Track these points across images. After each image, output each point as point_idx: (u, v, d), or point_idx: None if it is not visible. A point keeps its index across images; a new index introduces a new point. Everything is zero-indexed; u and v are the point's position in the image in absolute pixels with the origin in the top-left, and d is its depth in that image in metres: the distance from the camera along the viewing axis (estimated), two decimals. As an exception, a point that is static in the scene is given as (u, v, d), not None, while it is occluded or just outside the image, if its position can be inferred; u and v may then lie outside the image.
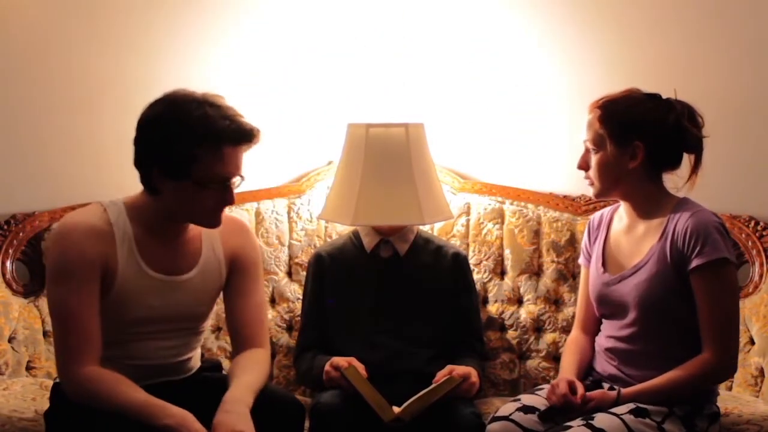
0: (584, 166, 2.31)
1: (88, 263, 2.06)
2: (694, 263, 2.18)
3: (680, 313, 2.22)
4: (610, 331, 2.35)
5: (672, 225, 2.23)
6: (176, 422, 1.95)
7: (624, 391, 2.21)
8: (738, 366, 2.65)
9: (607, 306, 2.35)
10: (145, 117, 2.10)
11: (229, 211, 2.77)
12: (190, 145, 2.03)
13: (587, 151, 2.30)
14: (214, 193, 2.09)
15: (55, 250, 2.10)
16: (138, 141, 2.10)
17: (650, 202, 2.29)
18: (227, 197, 2.11)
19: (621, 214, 2.38)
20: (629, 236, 2.33)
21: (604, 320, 2.40)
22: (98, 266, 2.07)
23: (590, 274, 2.40)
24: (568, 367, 2.37)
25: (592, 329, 2.44)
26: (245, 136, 2.08)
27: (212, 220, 2.14)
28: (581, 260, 2.51)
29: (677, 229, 2.22)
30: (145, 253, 2.13)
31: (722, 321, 2.19)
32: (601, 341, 2.38)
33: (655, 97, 2.29)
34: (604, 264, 2.36)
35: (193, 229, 2.20)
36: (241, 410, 2.01)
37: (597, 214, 2.48)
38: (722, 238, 2.20)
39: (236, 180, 2.12)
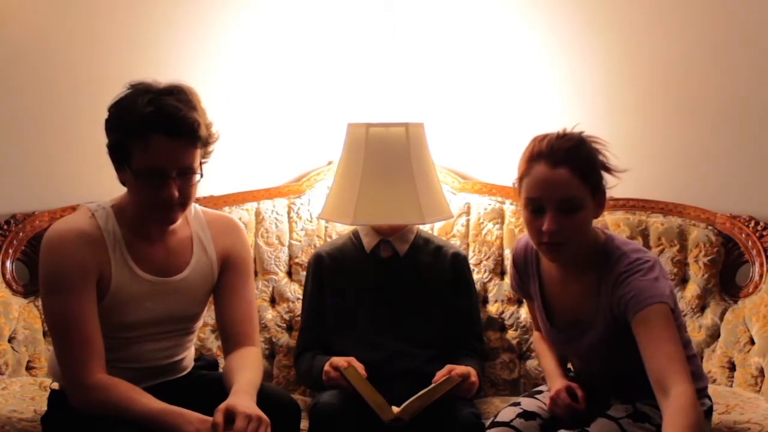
0: (557, 228, 2.01)
1: (84, 270, 2.04)
2: (630, 315, 1.99)
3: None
4: (583, 368, 2.27)
5: (604, 286, 2.06)
6: (196, 428, 1.94)
7: None
8: (738, 366, 2.68)
9: (569, 352, 2.27)
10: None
11: (229, 211, 2.81)
12: (119, 134, 2.02)
13: (557, 212, 2.01)
14: (151, 186, 2.02)
15: (48, 259, 2.06)
16: None
17: (584, 252, 2.10)
18: (164, 192, 2.02)
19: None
20: (566, 291, 2.16)
21: (571, 357, 2.31)
22: (93, 272, 2.06)
23: (539, 322, 2.28)
24: (553, 370, 2.28)
25: None
26: (172, 126, 1.98)
27: (160, 216, 2.08)
28: (513, 289, 2.39)
29: (609, 289, 2.05)
30: (137, 256, 2.12)
31: (676, 354, 1.95)
32: (578, 373, 2.31)
33: (581, 135, 2.09)
34: (548, 317, 2.22)
35: (183, 229, 2.19)
36: (253, 401, 2.01)
37: (519, 250, 2.28)
38: (648, 282, 2.00)
39: (194, 176, 2.06)
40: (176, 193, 2.03)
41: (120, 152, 2.04)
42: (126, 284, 2.10)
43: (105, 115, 2.01)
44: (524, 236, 2.29)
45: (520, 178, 2.08)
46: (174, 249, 2.17)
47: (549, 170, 2.01)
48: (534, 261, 2.25)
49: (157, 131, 1.98)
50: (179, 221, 2.16)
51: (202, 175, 2.09)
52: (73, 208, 2.82)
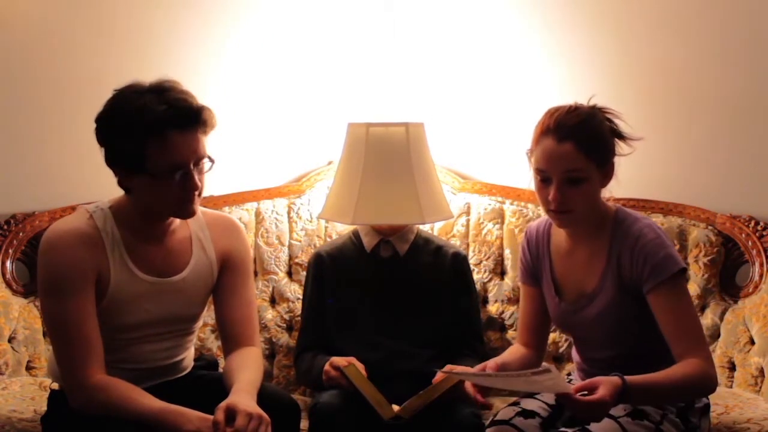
0: (562, 198, 2.11)
1: (82, 271, 2.04)
2: (650, 285, 2.10)
3: (653, 328, 2.12)
4: (586, 353, 2.29)
5: (616, 250, 2.15)
6: (196, 427, 1.94)
7: (629, 379, 2.00)
8: (738, 366, 2.68)
9: (574, 331, 2.31)
10: (96, 117, 2.07)
11: (229, 211, 2.81)
12: (134, 140, 2.00)
13: (562, 183, 2.10)
14: (174, 183, 2.03)
15: (46, 261, 2.06)
16: (98, 141, 2.08)
17: (593, 220, 2.18)
18: (189, 185, 2.04)
19: (557, 230, 2.28)
20: (574, 261, 2.23)
21: (575, 341, 2.35)
22: (91, 273, 2.05)
23: (546, 301, 2.31)
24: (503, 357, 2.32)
25: (535, 345, 2.37)
26: (188, 119, 2.01)
27: (184, 210, 2.09)
28: (519, 278, 2.41)
29: (622, 254, 2.13)
30: (136, 257, 2.12)
31: (695, 327, 2.11)
32: (583, 366, 2.31)
33: (596, 109, 2.18)
34: (557, 292, 2.27)
35: (182, 229, 2.19)
36: (253, 400, 2.02)
37: (531, 231, 2.35)
38: (667, 250, 2.11)
39: (204, 164, 2.07)
40: (199, 183, 2.06)
41: (135, 158, 2.01)
42: (125, 285, 2.10)
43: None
44: (536, 220, 2.42)
45: (531, 150, 2.18)
46: (173, 249, 2.17)
47: (555, 144, 2.11)
48: (545, 238, 2.31)
49: (173, 127, 1.99)
50: (178, 221, 2.17)
51: (213, 161, 2.09)
52: (73, 208, 2.82)
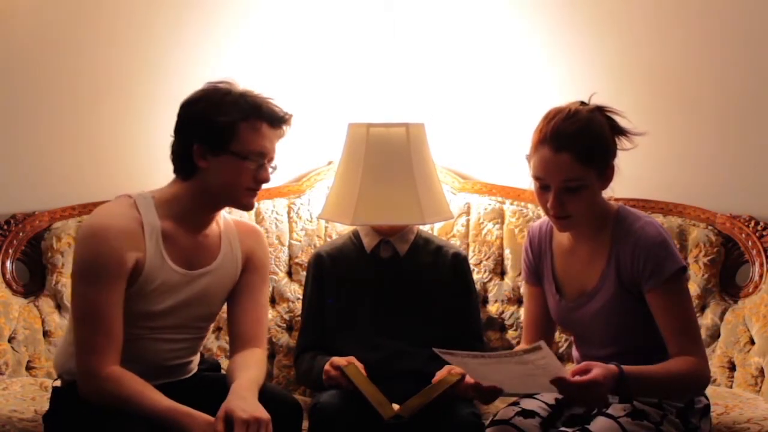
0: (561, 206, 2.11)
1: (120, 265, 2.06)
2: (650, 285, 2.11)
3: (653, 326, 2.14)
4: (586, 351, 2.29)
5: (617, 248, 2.16)
6: (203, 430, 1.95)
7: (626, 368, 2.02)
8: (738, 366, 2.68)
9: (574, 328, 2.32)
10: (188, 97, 2.18)
11: (229, 212, 2.80)
12: (231, 117, 2.11)
13: (561, 191, 2.10)
14: (251, 168, 2.14)
15: (87, 249, 2.08)
16: (180, 120, 2.17)
17: (594, 220, 2.19)
18: (262, 175, 2.17)
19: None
20: (576, 259, 2.24)
21: (576, 339, 2.36)
22: (128, 266, 2.08)
23: (547, 299, 2.32)
24: None
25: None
26: (281, 118, 2.18)
27: (247, 199, 2.20)
28: (523, 278, 2.41)
29: (623, 254, 2.14)
30: (170, 246, 2.14)
31: (692, 327, 2.13)
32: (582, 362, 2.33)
33: (597, 110, 2.16)
34: (558, 290, 2.28)
35: (215, 227, 2.24)
36: (253, 398, 2.03)
37: (534, 230, 2.36)
38: (668, 249, 2.12)
39: (273, 164, 2.20)
40: (269, 178, 2.20)
41: (227, 134, 2.11)
42: (156, 273, 2.13)
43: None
44: (538, 219, 2.44)
45: (530, 156, 2.17)
46: (205, 244, 2.22)
47: (552, 154, 2.09)
48: (547, 237, 2.32)
49: (265, 119, 2.15)
50: (219, 216, 2.25)
51: (275, 168, 2.23)
52: (73, 208, 2.84)
